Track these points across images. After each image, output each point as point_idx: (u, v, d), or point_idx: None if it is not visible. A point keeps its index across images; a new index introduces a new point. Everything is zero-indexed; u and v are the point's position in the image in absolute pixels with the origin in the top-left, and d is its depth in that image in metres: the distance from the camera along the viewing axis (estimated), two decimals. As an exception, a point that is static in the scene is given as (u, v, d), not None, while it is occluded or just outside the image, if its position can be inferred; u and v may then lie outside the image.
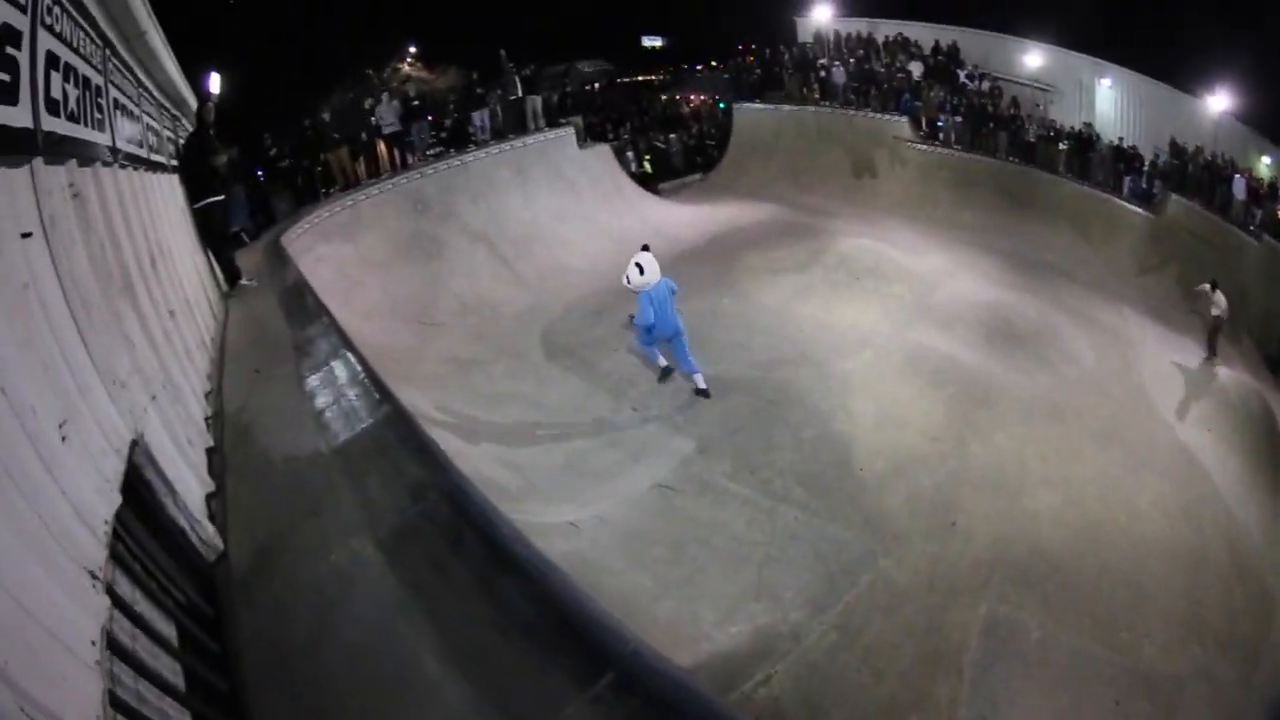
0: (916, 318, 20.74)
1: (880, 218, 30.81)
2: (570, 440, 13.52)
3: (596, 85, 49.64)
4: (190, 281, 10.01)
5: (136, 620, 3.56)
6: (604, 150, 29.36)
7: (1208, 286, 21.35)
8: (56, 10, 5.60)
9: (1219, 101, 33.15)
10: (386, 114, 23.71)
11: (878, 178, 35.29)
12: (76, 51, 6.14)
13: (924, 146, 35.17)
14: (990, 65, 38.29)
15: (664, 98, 48.29)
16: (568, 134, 27.63)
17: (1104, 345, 22.18)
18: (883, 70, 38.32)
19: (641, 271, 14.27)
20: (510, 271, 20.84)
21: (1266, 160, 31.87)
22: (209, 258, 13.44)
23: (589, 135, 30.26)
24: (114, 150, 7.08)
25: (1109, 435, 16.90)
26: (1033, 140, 34.16)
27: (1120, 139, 33.42)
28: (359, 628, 4.48)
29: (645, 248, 15.17)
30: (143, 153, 9.21)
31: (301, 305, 11.44)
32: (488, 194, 23.57)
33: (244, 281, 13.69)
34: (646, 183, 32.26)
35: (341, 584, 4.82)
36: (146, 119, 10.50)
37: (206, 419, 6.94)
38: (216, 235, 13.67)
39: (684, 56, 60.42)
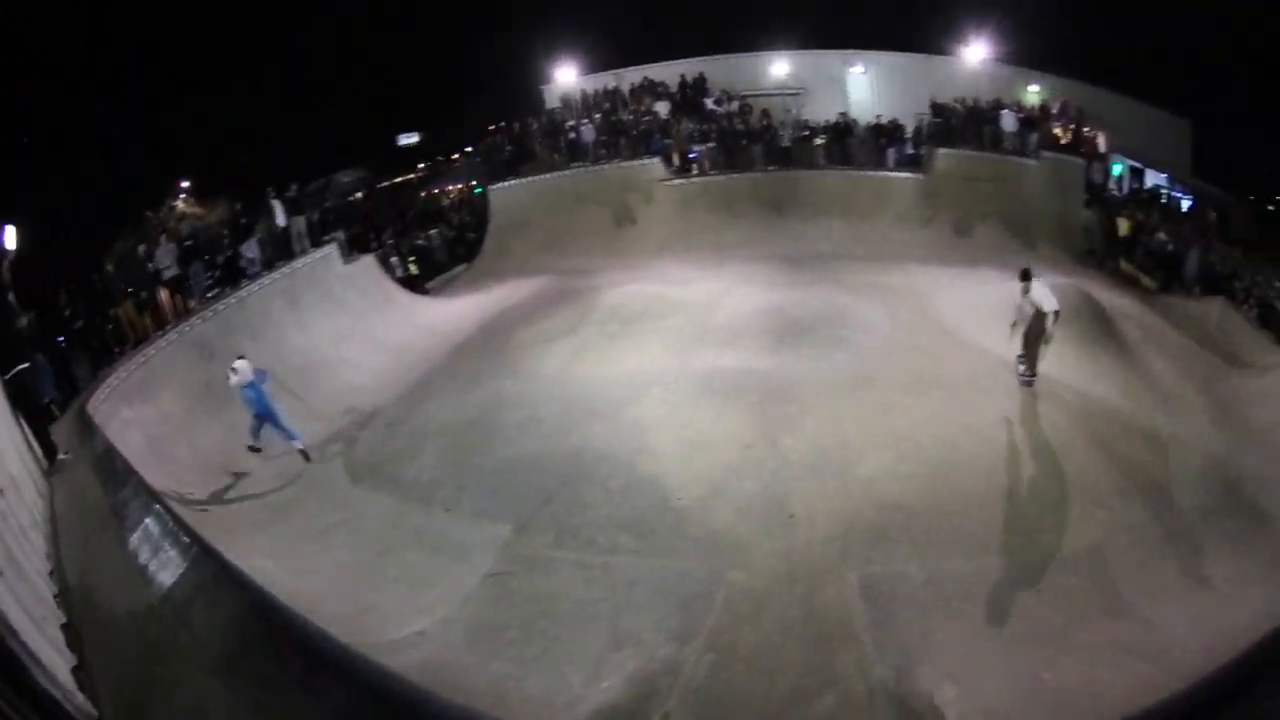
0: (698, 345, 21.34)
1: (648, 261, 31.41)
2: (396, 554, 13.53)
3: (359, 194, 48.86)
4: (11, 459, 10.08)
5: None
6: (369, 261, 29.20)
7: (1020, 288, 18.08)
8: None
9: (975, 52, 35.98)
10: (164, 258, 23.35)
11: (638, 223, 35.82)
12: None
13: (679, 181, 36.04)
14: (739, 86, 39.80)
15: (422, 194, 48.09)
16: (331, 251, 27.45)
17: (896, 305, 23.36)
18: (630, 118, 39.19)
19: (236, 373, 16.98)
20: (302, 405, 20.43)
21: (1034, 88, 36.10)
22: (25, 433, 13.18)
23: (354, 247, 30.10)
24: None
25: (924, 382, 17.84)
26: (788, 144, 35.56)
27: (878, 116, 35.38)
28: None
29: (241, 357, 17.57)
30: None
31: (114, 472, 11.42)
32: (266, 329, 22.99)
33: (61, 455, 13.39)
34: (415, 284, 32.22)
35: (198, 718, 5.22)
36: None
37: (55, 596, 7.15)
38: (29, 408, 13.46)
39: (440, 149, 59.96)
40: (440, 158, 59.05)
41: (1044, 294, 17.20)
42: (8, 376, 13.17)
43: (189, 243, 24.94)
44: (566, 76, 43.44)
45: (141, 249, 24.45)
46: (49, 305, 20.63)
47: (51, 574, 7.90)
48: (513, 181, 37.97)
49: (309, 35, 49.09)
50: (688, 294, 25.36)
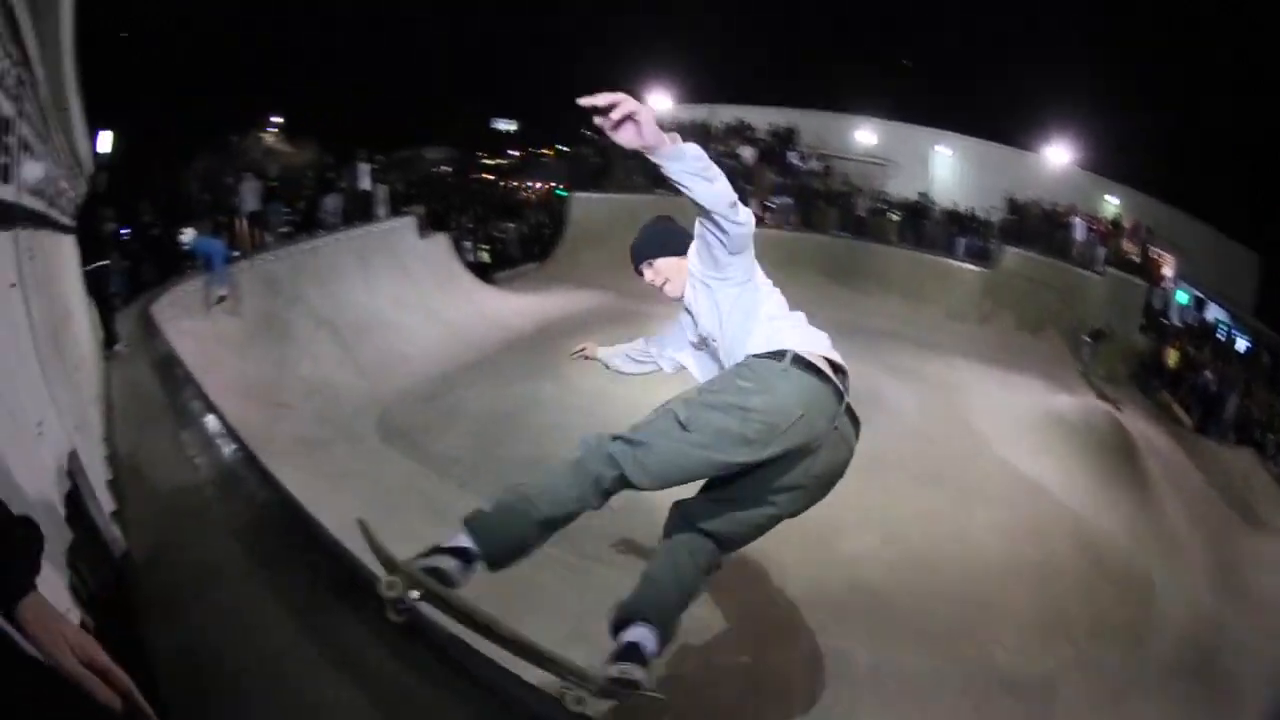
0: None
1: None
2: (403, 513, 13.26)
3: (443, 170, 49.15)
4: (85, 340, 10.94)
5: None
6: (442, 240, 30.12)
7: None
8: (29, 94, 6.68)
9: (1058, 154, 36.24)
10: (248, 197, 24.21)
11: None
12: (34, 129, 7.10)
13: None
14: (828, 145, 40.35)
15: (503, 185, 48.41)
16: (409, 223, 28.43)
17: (928, 395, 22.97)
18: (716, 157, 37.89)
19: (186, 236, 18.86)
20: (350, 357, 20.75)
21: (1113, 201, 35.90)
22: (96, 320, 13.73)
23: (431, 224, 30.52)
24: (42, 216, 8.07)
25: (933, 476, 17.45)
26: (863, 214, 35.52)
27: (955, 203, 35.43)
28: (224, 596, 5.59)
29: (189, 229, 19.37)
30: (55, 213, 9.77)
31: (172, 374, 12.10)
32: (332, 280, 23.43)
33: (118, 347, 14.00)
34: (484, 272, 32.83)
35: (211, 571, 5.89)
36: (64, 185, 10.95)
37: (105, 458, 8.01)
38: (101, 299, 14.08)
39: (534, 140, 59.77)
40: (532, 149, 58.52)
41: None
42: (89, 269, 13.64)
43: (275, 184, 25.91)
44: (662, 102, 43.56)
45: (229, 179, 25.14)
46: (129, 209, 21.54)
47: (105, 440, 8.72)
48: (595, 194, 38.31)
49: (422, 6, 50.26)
50: (736, 344, 23.76)
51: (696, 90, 44.12)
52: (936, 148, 40.43)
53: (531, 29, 53.43)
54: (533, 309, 28.39)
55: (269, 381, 18.10)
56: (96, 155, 15.85)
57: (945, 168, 40.36)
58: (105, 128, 18.43)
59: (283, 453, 14.10)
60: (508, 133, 62.29)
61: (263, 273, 22.11)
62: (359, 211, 27.68)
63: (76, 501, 5.44)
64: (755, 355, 4.76)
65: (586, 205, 38.32)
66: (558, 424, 17.63)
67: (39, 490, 4.26)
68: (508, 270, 35.03)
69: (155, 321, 16.14)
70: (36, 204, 7.48)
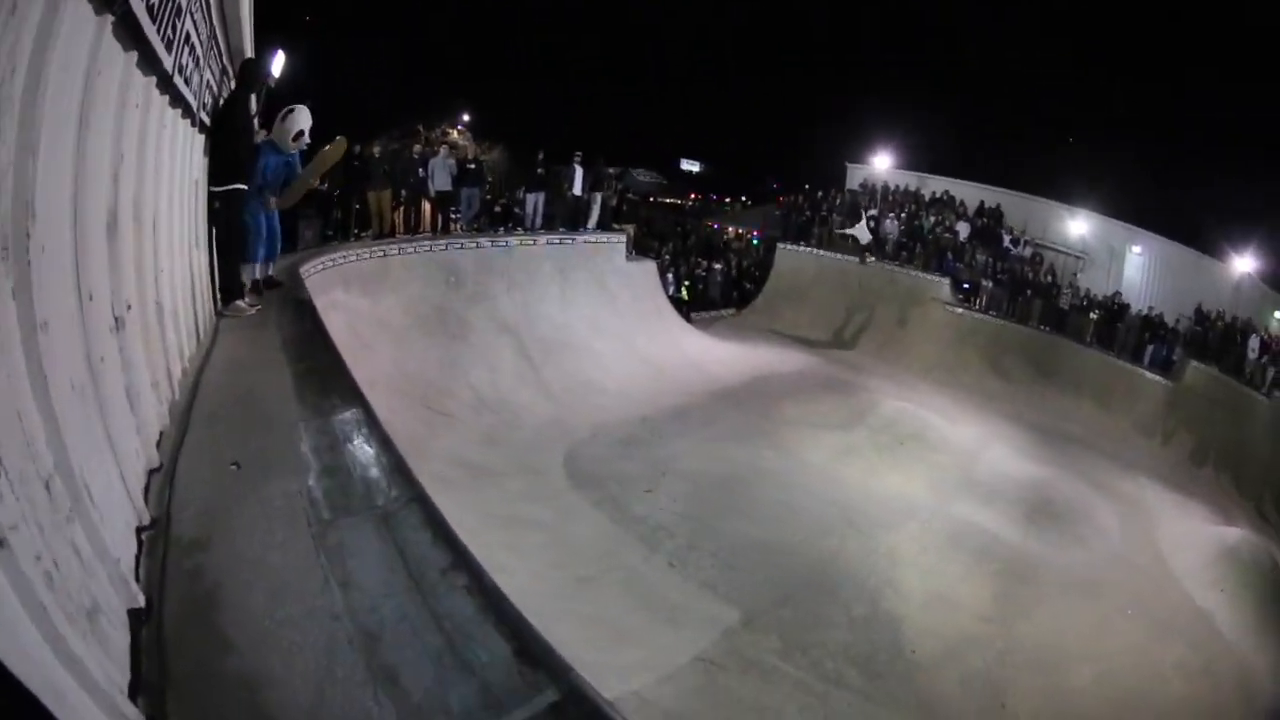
0: (959, 490, 20.00)
1: (913, 380, 30.47)
2: (596, 590, 12.25)
3: (651, 197, 50.52)
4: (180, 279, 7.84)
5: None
6: (650, 267, 28.71)
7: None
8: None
9: (1244, 263, 34.35)
10: (440, 172, 22.05)
11: (912, 338, 34.71)
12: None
13: (961, 310, 35.04)
14: (1030, 229, 38.89)
15: (709, 225, 47.84)
16: (619, 242, 26.81)
17: (1127, 517, 21.97)
18: (931, 227, 38.26)
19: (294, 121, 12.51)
20: (535, 375, 19.75)
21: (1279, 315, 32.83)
22: (211, 260, 10.57)
23: (635, 248, 28.98)
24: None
25: (1137, 606, 16.82)
26: (1065, 309, 34.35)
27: (1150, 308, 33.84)
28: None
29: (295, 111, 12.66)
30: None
31: (323, 376, 8.45)
32: (525, 285, 22.49)
33: (242, 303, 10.81)
34: (680, 308, 31.43)
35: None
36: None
37: (139, 530, 4.56)
38: (225, 234, 10.77)
39: (718, 185, 61.55)
40: (713, 196, 60.98)
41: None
42: (218, 190, 10.33)
43: (472, 166, 23.60)
44: (881, 162, 43.14)
45: (418, 149, 23.75)
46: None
47: (152, 474, 5.56)
48: (802, 248, 38.04)
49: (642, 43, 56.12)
50: (955, 432, 24.31)
51: (908, 157, 43.48)
52: (1131, 246, 38.51)
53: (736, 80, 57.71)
54: (738, 359, 27.19)
55: (430, 383, 17.39)
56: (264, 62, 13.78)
57: (1135, 267, 38.52)
58: (285, 52, 16.34)
59: (440, 478, 13.19)
60: (691, 173, 64.95)
61: (443, 260, 20.92)
62: (565, 217, 26.01)
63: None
64: None
65: (792, 258, 38.08)
66: (785, 503, 16.85)
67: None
68: (705, 312, 34.16)
69: (306, 288, 13.68)
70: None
